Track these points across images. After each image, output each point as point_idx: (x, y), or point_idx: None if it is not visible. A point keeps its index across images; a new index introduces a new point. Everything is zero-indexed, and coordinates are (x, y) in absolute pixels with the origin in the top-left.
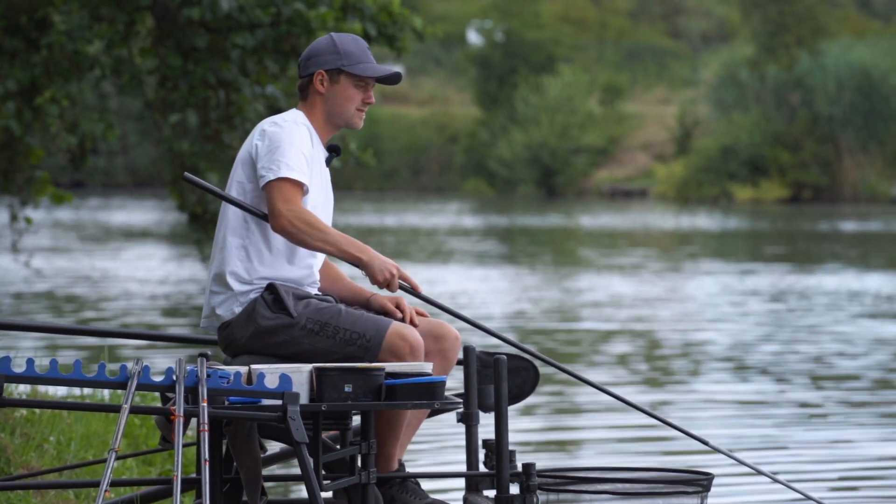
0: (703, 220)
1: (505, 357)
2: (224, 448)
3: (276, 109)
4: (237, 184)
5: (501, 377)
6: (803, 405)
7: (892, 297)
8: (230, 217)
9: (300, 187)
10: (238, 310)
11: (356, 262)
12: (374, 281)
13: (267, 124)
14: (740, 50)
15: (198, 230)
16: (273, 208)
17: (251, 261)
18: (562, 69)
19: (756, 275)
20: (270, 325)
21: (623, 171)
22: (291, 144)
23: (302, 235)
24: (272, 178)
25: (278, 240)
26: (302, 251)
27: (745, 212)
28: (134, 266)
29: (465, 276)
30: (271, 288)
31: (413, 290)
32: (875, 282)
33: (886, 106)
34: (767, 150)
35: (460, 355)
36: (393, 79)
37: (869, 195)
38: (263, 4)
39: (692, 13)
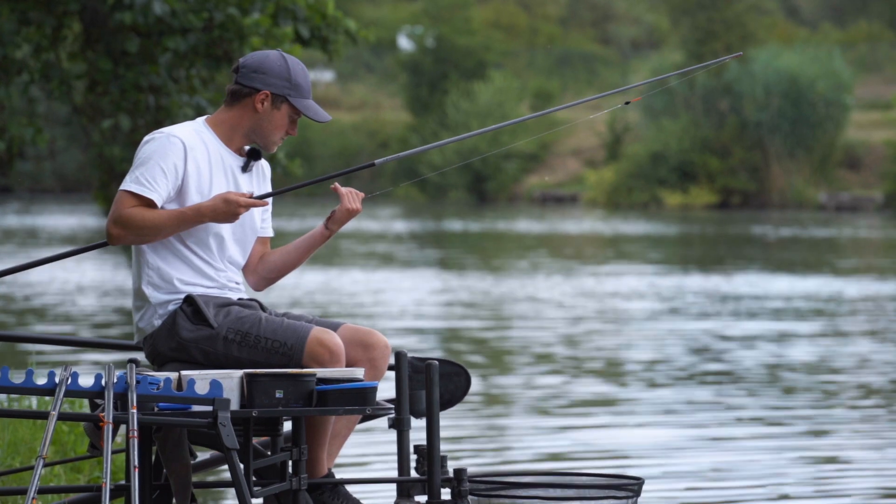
0: (626, 226)
1: (437, 362)
2: (154, 455)
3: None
4: None
5: (433, 383)
6: (549, 398)
7: (762, 297)
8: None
9: (138, 199)
10: (158, 322)
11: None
12: (233, 220)
13: (148, 137)
14: (669, 56)
15: None
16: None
17: (166, 271)
18: (492, 75)
19: (643, 276)
20: (192, 336)
21: (554, 176)
22: (150, 159)
23: (130, 236)
24: (119, 189)
25: (192, 249)
26: (214, 260)
27: (672, 217)
28: (59, 272)
29: (359, 278)
30: (189, 300)
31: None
32: (755, 283)
33: (813, 113)
34: (696, 157)
35: (390, 362)
36: (318, 120)
37: (797, 201)
38: (196, 9)
39: (622, 20)
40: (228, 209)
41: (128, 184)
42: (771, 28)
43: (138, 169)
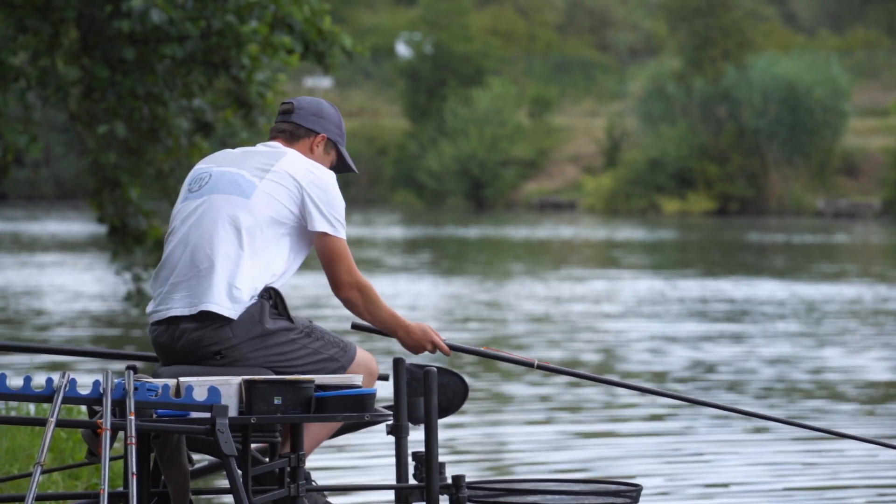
0: (621, 232)
1: (435, 369)
2: (152, 461)
3: (202, 122)
4: (278, 206)
5: (431, 389)
6: (546, 404)
7: (713, 300)
8: (257, 234)
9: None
10: (235, 316)
11: (391, 335)
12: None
13: (320, 170)
14: (667, 63)
15: (116, 243)
16: (338, 277)
17: (266, 278)
18: (491, 82)
19: (610, 280)
20: (275, 328)
21: (552, 183)
22: (341, 200)
23: (359, 310)
24: (336, 236)
25: (291, 261)
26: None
27: (669, 224)
28: (54, 278)
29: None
30: (273, 293)
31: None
32: (726, 287)
33: (811, 119)
34: (694, 163)
35: (389, 371)
36: (353, 169)
37: (795, 208)
38: (193, 17)
39: (620, 26)
40: (419, 344)
41: (341, 231)
42: (768, 34)
43: (342, 212)
